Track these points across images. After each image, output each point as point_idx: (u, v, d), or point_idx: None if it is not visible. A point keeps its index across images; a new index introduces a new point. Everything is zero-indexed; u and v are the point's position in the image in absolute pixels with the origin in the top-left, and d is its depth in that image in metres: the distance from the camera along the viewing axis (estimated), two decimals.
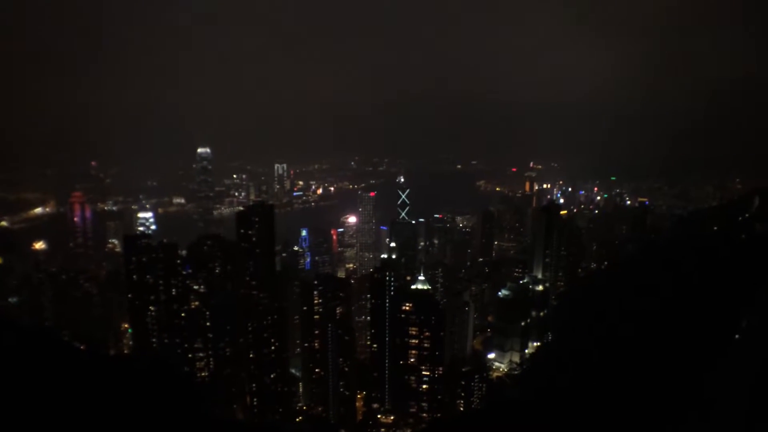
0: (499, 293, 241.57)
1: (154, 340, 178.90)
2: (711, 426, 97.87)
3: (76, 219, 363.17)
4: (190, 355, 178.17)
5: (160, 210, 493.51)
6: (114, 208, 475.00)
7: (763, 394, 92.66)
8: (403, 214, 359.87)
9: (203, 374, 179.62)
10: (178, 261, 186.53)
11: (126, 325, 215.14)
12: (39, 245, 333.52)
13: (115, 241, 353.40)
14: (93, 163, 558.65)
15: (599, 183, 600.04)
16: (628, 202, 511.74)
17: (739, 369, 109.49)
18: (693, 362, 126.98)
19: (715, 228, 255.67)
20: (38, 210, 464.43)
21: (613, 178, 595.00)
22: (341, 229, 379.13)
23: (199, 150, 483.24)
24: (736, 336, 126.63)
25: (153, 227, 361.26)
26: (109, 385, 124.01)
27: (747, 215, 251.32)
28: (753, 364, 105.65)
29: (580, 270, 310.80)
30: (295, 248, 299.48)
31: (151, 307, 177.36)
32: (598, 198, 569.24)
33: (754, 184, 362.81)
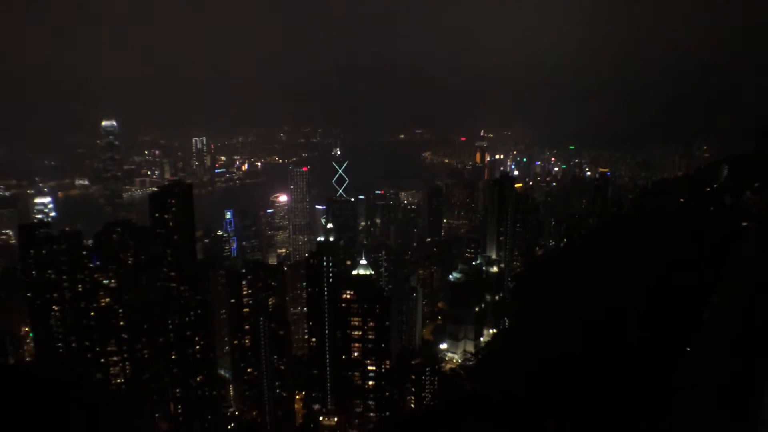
0: (450, 276, 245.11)
1: (60, 344, 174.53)
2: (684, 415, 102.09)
3: None
4: (102, 360, 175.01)
5: (60, 194, 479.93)
6: (6, 194, 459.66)
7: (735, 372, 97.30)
8: (340, 191, 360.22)
9: (119, 381, 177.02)
10: (84, 252, 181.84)
11: (26, 329, 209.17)
12: None
13: (9, 232, 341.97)
14: None
15: (557, 153, 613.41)
16: (588, 173, 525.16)
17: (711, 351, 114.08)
18: (663, 348, 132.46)
19: (682, 200, 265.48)
20: None
21: (572, 147, 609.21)
22: (271, 210, 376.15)
23: (104, 123, 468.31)
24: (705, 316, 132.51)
25: (53, 214, 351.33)
26: (10, 398, 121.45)
27: (715, 186, 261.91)
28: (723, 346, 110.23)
29: (538, 248, 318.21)
30: (219, 233, 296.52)
31: (55, 307, 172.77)
32: (556, 169, 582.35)
33: (722, 152, 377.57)
